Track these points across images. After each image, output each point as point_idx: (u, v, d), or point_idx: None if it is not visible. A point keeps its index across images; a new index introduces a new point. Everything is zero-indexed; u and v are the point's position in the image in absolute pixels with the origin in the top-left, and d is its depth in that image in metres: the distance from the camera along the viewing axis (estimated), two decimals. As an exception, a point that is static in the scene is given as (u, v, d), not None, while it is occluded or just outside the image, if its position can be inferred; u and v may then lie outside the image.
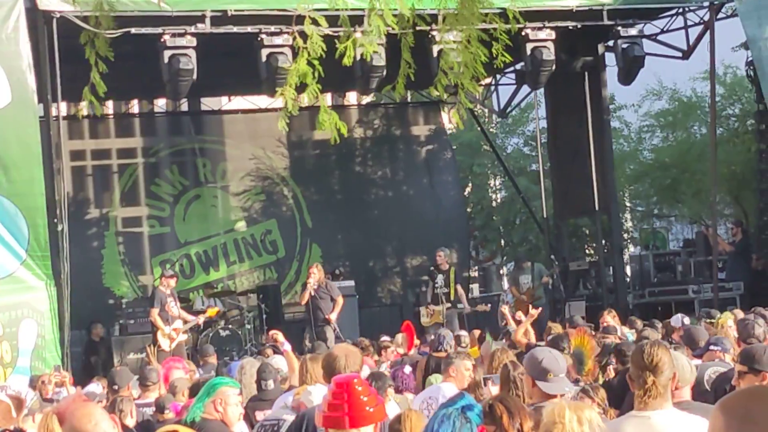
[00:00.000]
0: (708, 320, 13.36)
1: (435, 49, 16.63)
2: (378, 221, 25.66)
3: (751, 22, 19.56)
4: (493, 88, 26.40)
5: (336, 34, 10.76)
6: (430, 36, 16.64)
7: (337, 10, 10.57)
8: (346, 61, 10.50)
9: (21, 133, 16.44)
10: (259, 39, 17.90)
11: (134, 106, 27.49)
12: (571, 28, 19.76)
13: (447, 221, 25.93)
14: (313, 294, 18.30)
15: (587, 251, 30.80)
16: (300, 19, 10.48)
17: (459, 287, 19.96)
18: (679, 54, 21.31)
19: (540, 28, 19.17)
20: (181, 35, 17.69)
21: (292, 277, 24.79)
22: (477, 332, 15.77)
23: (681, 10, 20.80)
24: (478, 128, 29.05)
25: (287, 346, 11.20)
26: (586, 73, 22.01)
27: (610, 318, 15.01)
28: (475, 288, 27.17)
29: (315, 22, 10.14)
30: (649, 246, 27.71)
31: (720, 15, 20.42)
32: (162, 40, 17.66)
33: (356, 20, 11.61)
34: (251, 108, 25.94)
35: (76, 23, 14.16)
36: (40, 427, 4.78)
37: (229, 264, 24.79)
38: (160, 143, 25.16)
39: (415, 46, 11.53)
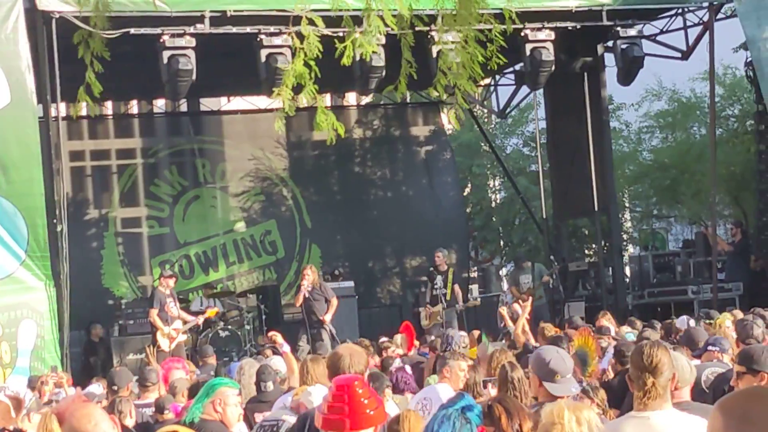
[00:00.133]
0: (707, 321, 13.37)
1: (434, 49, 16.61)
2: (377, 222, 25.63)
3: (750, 22, 19.55)
4: (492, 88, 26.39)
5: (335, 35, 10.76)
6: (429, 36, 16.61)
7: (339, 10, 10.57)
8: (346, 61, 10.51)
9: (20, 133, 16.43)
10: (258, 39, 17.88)
11: (133, 107, 27.45)
12: (570, 28, 19.75)
13: (446, 222, 25.91)
14: (307, 296, 18.27)
15: (586, 252, 30.76)
16: (297, 20, 10.49)
17: (456, 287, 19.95)
18: (679, 54, 21.31)
19: (539, 29, 19.16)
20: (181, 36, 17.67)
21: (292, 277, 24.74)
22: (476, 333, 15.75)
23: (680, 11, 20.79)
24: (478, 129, 29.03)
25: (286, 348, 11.19)
26: (586, 74, 22.00)
27: (605, 321, 15.04)
28: (475, 288, 27.08)
29: (312, 22, 10.14)
30: (649, 246, 27.72)
31: (719, 15, 20.42)
32: (161, 40, 17.63)
33: (356, 21, 11.60)
34: (250, 108, 25.92)
35: (76, 23, 14.14)
36: (39, 428, 4.76)
37: (228, 265, 24.77)
38: (159, 144, 25.13)
39: (414, 46, 11.53)
